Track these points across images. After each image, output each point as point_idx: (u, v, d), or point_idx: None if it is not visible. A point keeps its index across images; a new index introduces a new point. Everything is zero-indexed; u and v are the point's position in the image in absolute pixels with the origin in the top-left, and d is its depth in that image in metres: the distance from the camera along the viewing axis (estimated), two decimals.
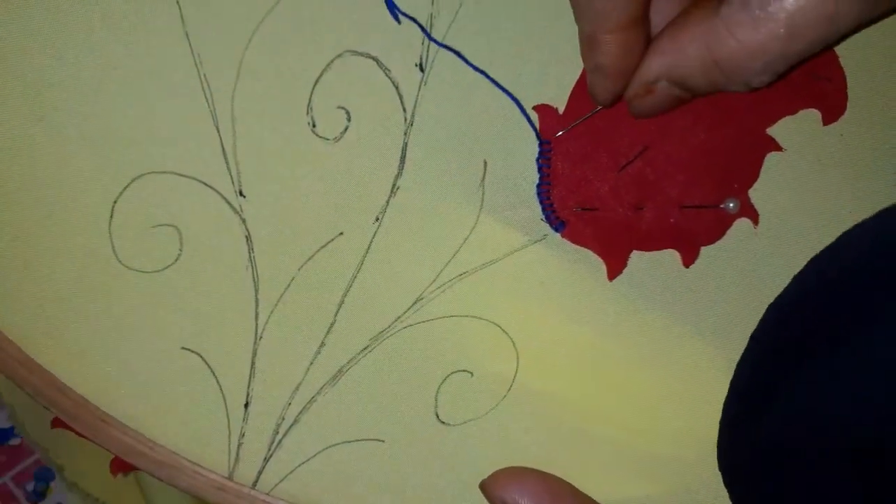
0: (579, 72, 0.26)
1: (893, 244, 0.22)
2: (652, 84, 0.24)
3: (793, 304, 0.25)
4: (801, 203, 0.27)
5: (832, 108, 0.27)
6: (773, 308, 0.26)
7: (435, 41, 0.26)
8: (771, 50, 0.21)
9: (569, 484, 0.27)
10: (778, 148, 0.27)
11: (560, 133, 0.27)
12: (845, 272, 0.23)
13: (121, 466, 0.30)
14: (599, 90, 0.25)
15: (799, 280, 0.25)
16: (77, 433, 0.29)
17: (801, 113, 0.27)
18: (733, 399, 0.26)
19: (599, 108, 0.27)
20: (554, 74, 0.27)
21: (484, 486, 0.27)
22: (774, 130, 0.27)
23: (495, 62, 0.27)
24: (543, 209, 0.27)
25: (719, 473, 0.28)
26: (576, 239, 0.27)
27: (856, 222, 0.27)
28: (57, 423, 0.30)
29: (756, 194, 0.27)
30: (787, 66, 0.22)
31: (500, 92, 0.27)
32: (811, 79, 0.26)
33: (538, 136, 0.27)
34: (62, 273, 0.28)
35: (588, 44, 0.24)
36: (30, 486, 0.55)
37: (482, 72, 0.27)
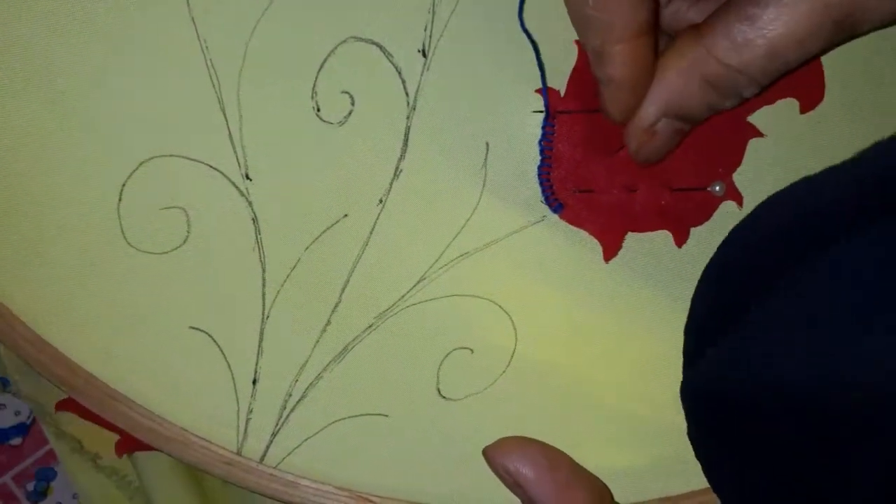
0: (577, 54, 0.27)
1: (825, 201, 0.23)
2: (653, 126, 0.25)
3: (734, 250, 0.26)
4: (781, 185, 0.29)
5: (809, 97, 0.28)
6: (720, 249, 0.27)
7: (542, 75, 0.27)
8: (754, 67, 0.23)
9: (566, 454, 0.28)
10: (759, 134, 0.28)
11: (560, 111, 0.28)
12: (784, 219, 0.24)
13: (126, 446, 0.30)
14: (612, 104, 0.25)
15: (742, 225, 0.27)
16: (84, 415, 0.30)
17: (780, 102, 0.28)
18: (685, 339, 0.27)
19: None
20: (554, 58, 0.27)
21: (487, 453, 0.28)
22: (755, 118, 0.28)
23: (496, 48, 0.27)
24: (543, 191, 0.28)
25: None
26: (573, 220, 0.28)
27: None
28: (62, 405, 0.30)
29: (740, 178, 0.28)
30: (770, 80, 0.24)
31: (502, 75, 0.28)
32: None
33: (548, 114, 0.28)
34: (71, 254, 0.28)
35: (597, 57, 0.24)
36: (30, 486, 0.55)
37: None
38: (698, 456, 0.26)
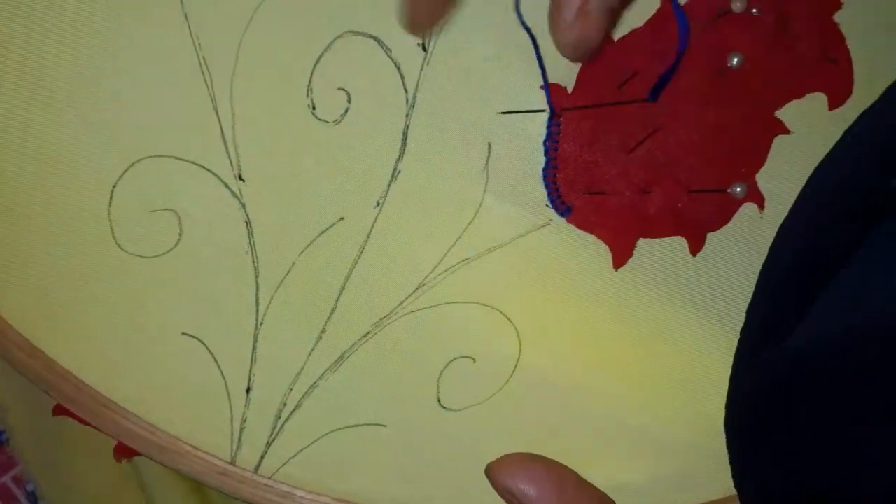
0: None
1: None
2: (586, 5, 0.23)
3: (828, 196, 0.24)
4: None
5: (839, 92, 0.26)
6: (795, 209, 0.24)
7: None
8: None
9: (573, 471, 0.27)
10: (786, 131, 0.27)
11: (566, 109, 0.27)
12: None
13: (124, 452, 0.30)
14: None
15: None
16: (79, 419, 0.29)
17: (808, 97, 0.26)
18: (757, 316, 0.24)
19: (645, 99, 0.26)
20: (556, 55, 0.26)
21: (489, 472, 0.27)
22: (782, 114, 0.27)
23: (499, 42, 0.26)
24: (549, 193, 0.27)
25: (716, 456, 0.28)
26: (582, 224, 0.27)
27: None
28: (59, 410, 0.30)
29: (763, 178, 0.27)
30: None
31: (506, 71, 0.26)
32: (819, 60, 0.26)
33: (552, 112, 0.26)
34: (62, 258, 0.28)
35: None
36: (30, 487, 0.55)
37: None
38: (741, 454, 0.24)
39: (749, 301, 0.26)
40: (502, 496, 0.27)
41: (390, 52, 0.26)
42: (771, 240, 0.27)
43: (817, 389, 0.21)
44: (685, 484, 0.29)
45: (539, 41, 0.26)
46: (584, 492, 0.27)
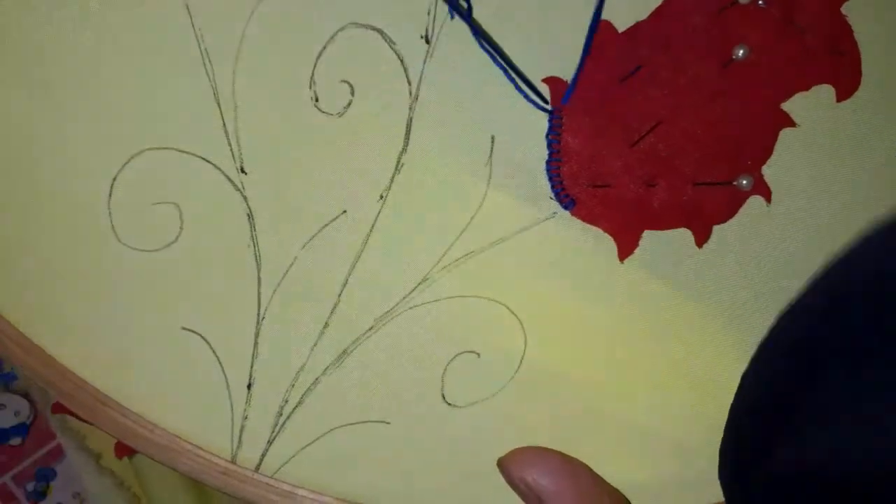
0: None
1: None
2: None
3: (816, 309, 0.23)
4: (814, 181, 0.27)
5: (846, 84, 0.26)
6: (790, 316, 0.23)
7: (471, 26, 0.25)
8: None
9: (586, 465, 0.27)
10: (792, 124, 0.26)
11: (566, 99, 0.26)
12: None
13: (126, 448, 0.29)
14: None
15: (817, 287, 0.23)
16: (78, 417, 0.29)
17: (815, 89, 0.26)
18: (744, 419, 0.23)
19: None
20: (563, 46, 0.26)
21: (503, 464, 0.26)
22: (788, 106, 0.26)
23: (502, 35, 0.26)
24: (553, 186, 0.27)
25: None
26: (586, 217, 0.27)
27: (868, 200, 0.27)
28: (58, 408, 0.29)
29: (769, 171, 0.27)
30: None
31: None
32: (826, 53, 0.26)
33: (550, 109, 0.26)
34: (60, 252, 0.28)
35: None
36: (30, 486, 0.55)
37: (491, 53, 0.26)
38: None
39: (752, 298, 0.25)
40: (516, 488, 0.26)
41: (394, 44, 0.26)
42: (777, 232, 0.27)
43: None
44: (692, 483, 0.29)
45: (546, 30, 0.25)
46: (601, 486, 0.26)
